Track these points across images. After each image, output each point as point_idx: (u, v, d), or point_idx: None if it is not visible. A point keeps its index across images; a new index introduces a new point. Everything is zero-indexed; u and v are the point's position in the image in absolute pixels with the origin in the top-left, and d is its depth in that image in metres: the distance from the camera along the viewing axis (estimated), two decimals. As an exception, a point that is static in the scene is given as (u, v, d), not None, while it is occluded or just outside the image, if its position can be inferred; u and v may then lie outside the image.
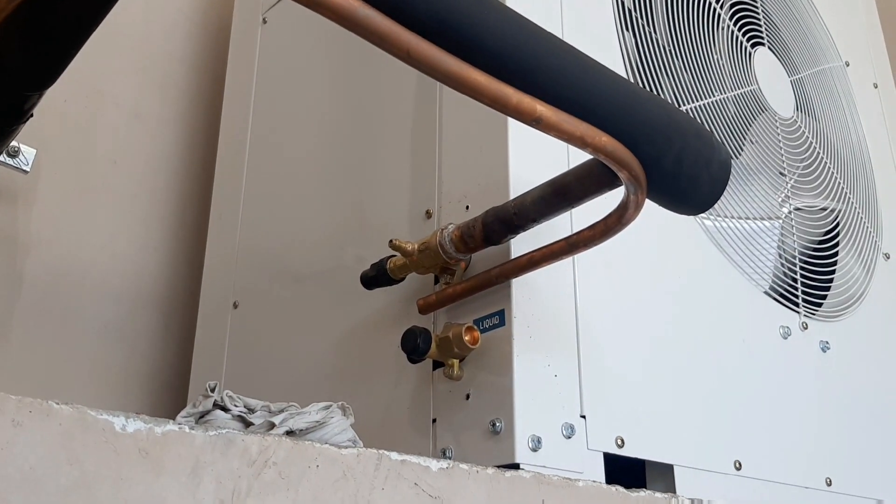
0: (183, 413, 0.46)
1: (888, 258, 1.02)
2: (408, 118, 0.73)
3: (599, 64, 0.44)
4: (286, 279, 0.83)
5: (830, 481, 0.78)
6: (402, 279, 0.64)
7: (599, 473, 0.59)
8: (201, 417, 0.45)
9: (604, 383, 0.62)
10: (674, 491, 0.64)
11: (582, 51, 0.44)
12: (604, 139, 0.42)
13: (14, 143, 0.92)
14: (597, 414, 0.60)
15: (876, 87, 1.18)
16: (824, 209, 0.97)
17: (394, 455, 0.44)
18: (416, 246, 0.61)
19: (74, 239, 1.03)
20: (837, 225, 0.97)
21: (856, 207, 1.00)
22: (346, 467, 0.42)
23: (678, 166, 0.47)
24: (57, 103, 1.07)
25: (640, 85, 0.78)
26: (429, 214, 0.68)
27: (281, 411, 0.46)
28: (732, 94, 0.88)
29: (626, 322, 0.66)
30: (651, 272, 0.70)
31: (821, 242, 0.95)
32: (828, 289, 0.91)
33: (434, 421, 0.61)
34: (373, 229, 0.73)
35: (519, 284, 0.58)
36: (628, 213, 0.48)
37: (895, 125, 1.18)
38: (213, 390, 0.46)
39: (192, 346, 0.94)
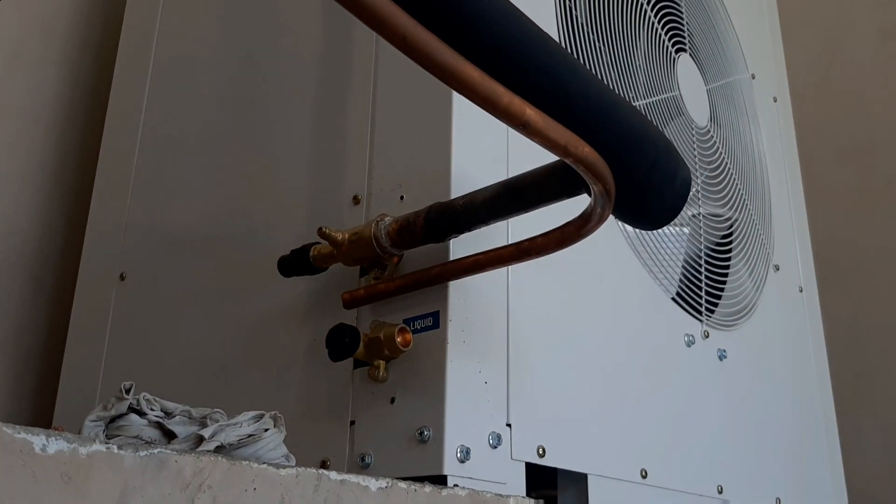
0: (92, 416, 0.40)
1: (778, 269, 1.06)
2: (336, 91, 0.69)
3: (587, 69, 0.41)
4: (184, 253, 0.77)
5: (721, 489, 0.80)
6: (325, 269, 0.60)
7: (521, 484, 0.57)
8: (112, 422, 0.40)
9: (528, 391, 0.60)
10: (586, 500, 0.63)
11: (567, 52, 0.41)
12: (586, 150, 0.40)
13: None
14: (521, 422, 0.58)
15: (776, 101, 1.22)
16: (728, 218, 0.99)
17: (333, 475, 0.40)
18: (346, 235, 0.57)
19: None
20: (734, 230, 0.99)
21: (753, 218, 1.03)
22: (284, 489, 0.38)
23: (647, 181, 0.45)
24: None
25: (575, 82, 0.77)
26: (356, 200, 0.63)
27: (204, 418, 0.42)
28: (656, 98, 0.88)
29: (551, 328, 0.64)
30: (575, 276, 0.69)
31: (721, 251, 0.97)
32: (728, 296, 0.94)
33: (352, 423, 0.57)
34: (291, 209, 0.69)
35: (455, 286, 0.55)
36: (590, 226, 0.46)
37: (790, 140, 1.23)
38: (127, 392, 0.41)
39: (67, 315, 0.86)
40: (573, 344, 0.66)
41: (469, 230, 0.53)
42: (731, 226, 0.99)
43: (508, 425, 0.57)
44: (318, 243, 0.60)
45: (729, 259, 0.97)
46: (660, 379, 0.76)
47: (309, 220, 0.67)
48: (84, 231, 0.90)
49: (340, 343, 0.54)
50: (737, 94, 1.09)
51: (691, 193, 0.93)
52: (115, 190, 0.87)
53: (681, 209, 0.48)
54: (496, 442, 0.55)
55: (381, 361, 0.55)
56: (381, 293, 0.57)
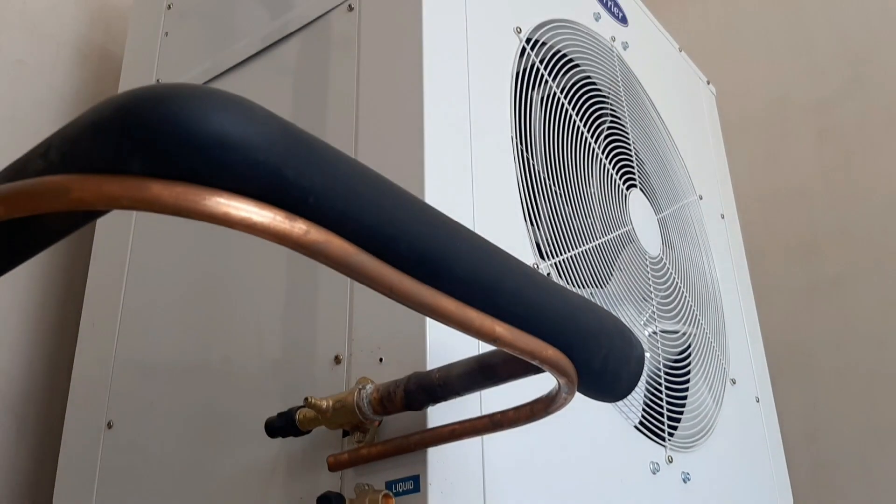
0: None
1: (735, 383, 1.12)
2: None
3: (547, 279, 0.47)
4: (170, 405, 0.80)
5: None
6: (310, 431, 0.64)
7: None
8: None
9: (505, 540, 0.64)
10: None
11: (531, 269, 0.46)
12: (550, 353, 0.45)
13: None
14: (500, 573, 0.62)
15: (723, 218, 1.30)
16: (683, 333, 1.05)
17: None
18: (331, 403, 0.61)
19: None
20: (691, 352, 1.05)
21: (708, 334, 1.09)
22: None
23: (604, 366, 0.50)
24: None
25: (534, 233, 0.83)
26: (338, 360, 0.68)
27: None
28: (610, 236, 0.94)
29: (523, 476, 0.68)
30: (543, 423, 0.73)
31: (679, 370, 1.03)
32: (688, 416, 0.99)
33: (344, 582, 0.60)
34: (275, 366, 0.73)
35: (433, 450, 0.60)
36: (555, 406, 0.51)
37: (739, 254, 1.30)
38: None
39: (51, 454, 0.88)
40: (546, 488, 0.70)
41: (445, 401, 0.57)
42: (687, 344, 1.05)
43: (488, 577, 0.61)
44: (303, 407, 0.64)
45: (688, 379, 1.02)
46: (627, 510, 0.80)
47: (293, 375, 0.71)
48: (68, 371, 0.93)
49: (330, 509, 0.58)
50: (686, 218, 1.16)
51: (647, 315, 0.99)
52: (99, 338, 0.90)
53: (636, 383, 0.53)
54: None
55: (366, 524, 0.59)
56: (364, 458, 0.61)
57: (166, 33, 1.05)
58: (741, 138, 1.80)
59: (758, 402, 1.17)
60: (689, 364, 1.03)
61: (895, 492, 1.41)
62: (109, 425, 0.84)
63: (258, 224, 0.32)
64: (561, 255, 0.88)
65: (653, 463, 0.87)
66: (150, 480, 0.78)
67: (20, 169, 0.33)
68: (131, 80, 1.06)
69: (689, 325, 1.06)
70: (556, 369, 0.46)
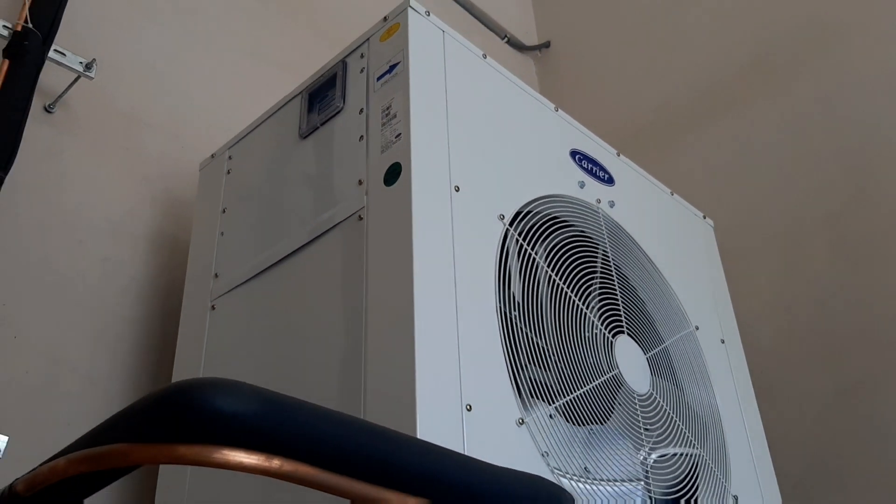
0: None
1: (737, 500, 1.23)
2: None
3: (488, 467, 0.63)
4: None
5: None
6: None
7: None
8: None
9: None
10: None
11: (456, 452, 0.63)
12: (481, 521, 0.61)
13: (-10, 430, 1.06)
14: None
15: (723, 343, 1.43)
16: (682, 456, 1.18)
17: None
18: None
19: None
20: (695, 472, 1.17)
21: (704, 456, 1.22)
22: None
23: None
24: (18, 373, 1.21)
25: (521, 382, 0.99)
26: None
27: None
28: (598, 381, 1.10)
29: None
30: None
31: (678, 490, 1.15)
32: (684, 538, 1.11)
33: None
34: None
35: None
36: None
37: (740, 375, 1.43)
38: None
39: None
40: None
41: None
42: (687, 465, 1.17)
43: None
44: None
45: (695, 498, 1.14)
46: None
47: None
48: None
49: None
50: (681, 350, 1.31)
51: (647, 445, 1.12)
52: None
53: (571, 531, 0.68)
54: None
55: None
56: None
57: (222, 233, 1.27)
58: (753, 264, 1.94)
59: (765, 515, 1.27)
60: (693, 485, 1.15)
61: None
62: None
63: (247, 465, 0.50)
64: (557, 401, 1.04)
65: (645, 584, 0.99)
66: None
67: (96, 436, 0.52)
68: (195, 272, 1.28)
69: (686, 448, 1.19)
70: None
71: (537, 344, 1.05)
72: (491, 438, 0.90)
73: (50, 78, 1.43)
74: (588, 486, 1.04)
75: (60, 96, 1.44)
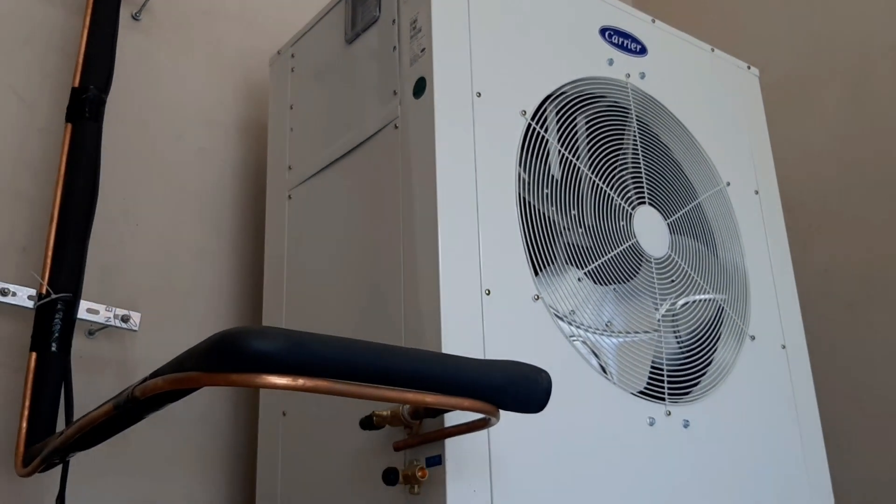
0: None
1: (754, 339, 1.40)
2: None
3: (474, 362, 0.83)
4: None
5: (683, 522, 1.17)
6: (383, 427, 1.05)
7: (504, 547, 0.99)
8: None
9: (510, 491, 1.01)
10: (559, 546, 1.04)
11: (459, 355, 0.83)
12: (466, 403, 0.82)
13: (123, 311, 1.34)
14: (502, 509, 1.00)
15: (757, 194, 1.54)
16: (699, 303, 1.35)
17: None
18: (389, 413, 1.01)
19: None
20: (708, 321, 1.35)
21: (721, 304, 1.38)
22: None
23: (516, 400, 0.86)
24: (143, 256, 1.49)
25: (538, 262, 1.17)
26: (399, 380, 1.07)
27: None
28: (617, 251, 1.26)
29: (524, 446, 1.05)
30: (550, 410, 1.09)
31: (694, 339, 1.33)
32: (691, 379, 1.30)
33: (406, 517, 1.02)
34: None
35: (450, 439, 0.98)
36: (488, 427, 0.88)
37: (773, 223, 1.54)
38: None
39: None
40: (545, 455, 1.07)
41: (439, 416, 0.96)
42: (705, 317, 1.34)
43: (494, 515, 1.00)
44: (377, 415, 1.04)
45: (700, 344, 1.32)
46: (627, 461, 1.14)
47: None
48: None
49: (392, 477, 0.99)
50: (708, 210, 1.43)
51: (667, 300, 1.30)
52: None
53: (546, 402, 0.88)
54: (483, 525, 0.98)
55: (415, 483, 0.99)
56: (409, 444, 1.01)
57: (291, 129, 1.46)
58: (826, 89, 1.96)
59: (784, 348, 1.44)
60: (715, 328, 1.33)
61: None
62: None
63: (280, 384, 0.72)
64: (585, 267, 1.22)
65: (650, 418, 1.20)
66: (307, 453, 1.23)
67: (179, 365, 0.75)
68: (273, 164, 1.49)
69: (703, 295, 1.35)
70: (483, 412, 0.83)
71: (558, 224, 1.21)
72: (508, 317, 1.09)
73: (133, -9, 1.60)
74: (611, 340, 1.24)
75: (144, 4, 1.62)
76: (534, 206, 1.20)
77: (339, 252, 1.27)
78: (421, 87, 1.16)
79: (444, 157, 1.11)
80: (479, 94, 1.18)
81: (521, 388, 0.87)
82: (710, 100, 1.54)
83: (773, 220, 1.55)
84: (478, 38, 1.21)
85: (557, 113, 1.28)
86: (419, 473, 0.98)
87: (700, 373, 1.32)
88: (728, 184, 1.49)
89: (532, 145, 1.23)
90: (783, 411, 1.39)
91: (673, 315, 1.35)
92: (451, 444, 0.99)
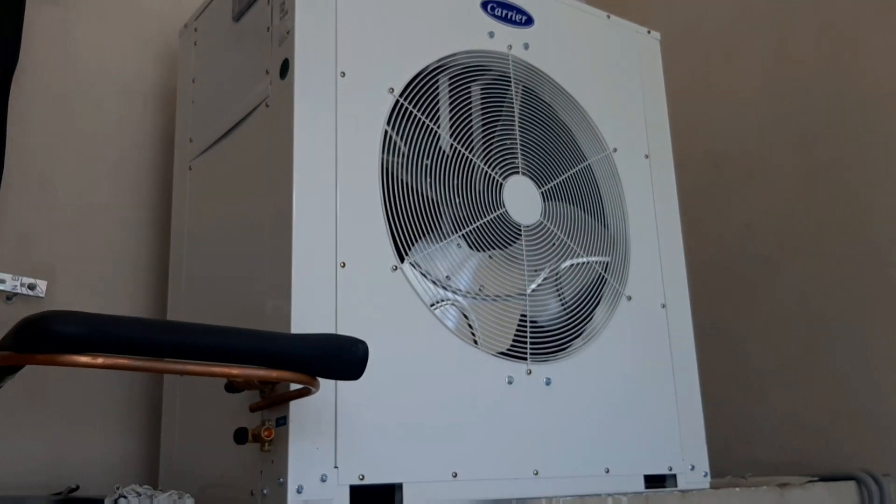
0: None
1: (630, 299, 1.47)
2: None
3: (284, 336, 0.91)
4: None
5: (538, 472, 1.26)
6: (242, 391, 1.14)
7: (345, 498, 1.09)
8: None
9: (356, 449, 1.10)
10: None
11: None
12: (275, 374, 0.90)
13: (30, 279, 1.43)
14: (345, 464, 1.09)
15: (647, 158, 1.60)
16: (572, 271, 1.42)
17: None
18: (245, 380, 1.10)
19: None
20: (596, 282, 1.42)
21: (595, 267, 1.45)
22: (172, 527, 0.93)
23: (332, 369, 0.95)
24: (60, 223, 1.57)
25: (399, 235, 1.24)
26: (261, 346, 1.16)
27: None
28: (485, 220, 1.33)
29: (375, 407, 1.14)
30: (395, 361, 1.18)
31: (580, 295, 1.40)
32: (567, 339, 1.37)
33: (261, 472, 1.11)
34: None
35: (295, 402, 1.07)
36: (311, 394, 0.97)
37: (662, 186, 1.60)
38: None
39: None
40: (393, 410, 1.15)
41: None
42: (584, 280, 1.42)
43: (336, 467, 1.09)
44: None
45: (581, 306, 1.40)
46: (480, 413, 1.23)
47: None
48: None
49: (242, 436, 1.08)
50: (588, 176, 1.49)
51: (542, 265, 1.37)
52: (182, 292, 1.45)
53: (363, 370, 0.97)
54: (324, 478, 1.07)
55: (265, 441, 1.09)
56: (262, 406, 1.10)
57: (193, 101, 1.53)
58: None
59: (664, 307, 1.51)
60: (587, 293, 1.40)
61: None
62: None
63: (81, 362, 0.81)
64: (455, 233, 1.29)
65: (509, 377, 1.28)
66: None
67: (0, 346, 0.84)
68: (179, 135, 1.56)
69: (577, 259, 1.42)
70: (289, 381, 0.92)
71: (424, 196, 1.28)
72: (364, 288, 1.17)
73: (46, -34, 1.66)
74: (482, 302, 1.32)
75: (60, -22, 1.67)
76: (401, 180, 1.27)
77: (224, 226, 1.35)
78: (285, 68, 1.22)
79: (303, 136, 1.18)
80: (343, 74, 1.24)
81: (336, 359, 0.95)
82: (601, 66, 1.58)
83: (664, 183, 1.61)
84: (344, 20, 1.26)
85: (427, 87, 1.34)
86: (265, 433, 1.07)
87: (577, 333, 1.40)
88: (615, 150, 1.54)
89: (401, 121, 1.29)
90: (658, 369, 1.47)
91: (557, 277, 1.42)
92: (295, 405, 1.08)
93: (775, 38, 2.02)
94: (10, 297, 1.47)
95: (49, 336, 0.79)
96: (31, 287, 1.42)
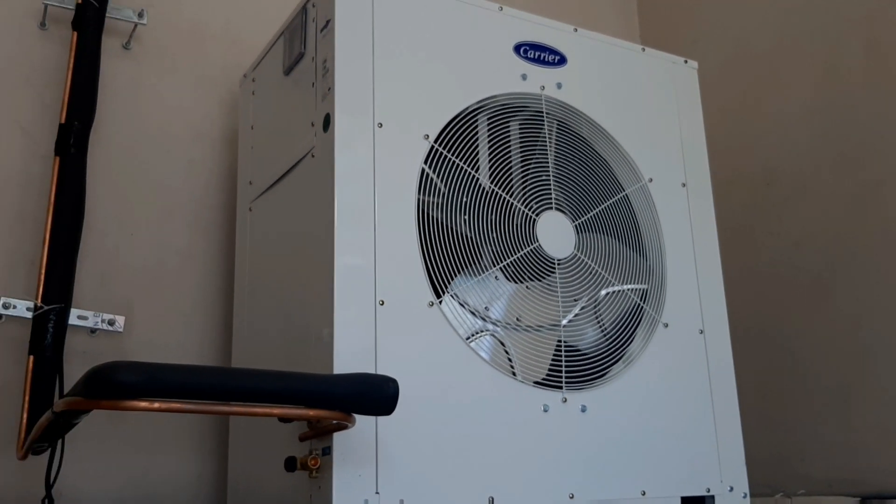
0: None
1: (667, 326, 1.52)
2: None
3: (314, 375, 1.01)
4: (262, 393, 1.45)
5: (573, 495, 1.33)
6: (293, 421, 1.24)
7: (387, 522, 1.18)
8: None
9: (396, 476, 1.20)
10: (444, 520, 1.22)
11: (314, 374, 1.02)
12: (311, 413, 1.00)
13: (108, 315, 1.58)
14: (386, 490, 1.19)
15: (684, 186, 1.64)
16: (609, 299, 1.48)
17: (250, 540, 1.05)
18: (291, 410, 1.21)
19: (157, 353, 1.68)
20: (628, 312, 1.48)
21: (631, 296, 1.50)
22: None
23: (365, 407, 1.04)
24: (137, 262, 1.72)
25: (435, 273, 1.33)
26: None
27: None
28: (520, 254, 1.40)
29: (413, 437, 1.23)
30: (432, 393, 1.26)
31: (616, 327, 1.47)
32: (606, 366, 1.44)
33: (310, 497, 1.22)
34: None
35: (339, 433, 1.17)
36: (346, 430, 1.07)
37: (698, 215, 1.64)
38: None
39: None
40: (430, 441, 1.24)
41: (327, 413, 1.15)
42: (623, 308, 1.47)
43: (377, 493, 1.18)
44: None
45: (621, 333, 1.46)
46: (517, 442, 1.30)
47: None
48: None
49: (291, 464, 1.19)
50: (622, 208, 1.55)
51: (581, 297, 1.44)
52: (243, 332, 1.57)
53: (394, 406, 1.06)
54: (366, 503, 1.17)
55: (311, 469, 1.19)
56: (309, 437, 1.20)
57: (251, 147, 1.65)
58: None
59: (701, 333, 1.56)
60: (625, 321, 1.46)
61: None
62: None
63: (140, 407, 0.92)
64: (493, 266, 1.37)
65: (544, 405, 1.35)
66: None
67: (69, 393, 0.96)
68: (241, 178, 1.69)
69: (613, 288, 1.48)
70: (340, 420, 1.02)
71: (460, 235, 1.36)
72: (403, 323, 1.26)
73: (118, 25, 1.81)
74: (519, 333, 1.40)
75: (132, 34, 1.82)
76: (436, 219, 1.35)
77: (277, 267, 1.46)
78: (327, 122, 1.32)
79: (343, 185, 1.28)
80: (380, 125, 1.33)
81: (368, 397, 1.04)
82: (636, 98, 1.63)
83: (701, 210, 1.65)
84: (381, 74, 1.36)
85: (461, 131, 1.42)
86: (311, 462, 1.17)
87: (613, 360, 1.46)
88: (650, 180, 1.59)
89: (437, 165, 1.38)
90: (696, 393, 1.52)
91: (595, 305, 1.49)
92: (339, 436, 1.18)
93: (823, 57, 2.02)
94: (93, 331, 1.62)
95: (112, 385, 0.91)
96: (111, 322, 1.56)
